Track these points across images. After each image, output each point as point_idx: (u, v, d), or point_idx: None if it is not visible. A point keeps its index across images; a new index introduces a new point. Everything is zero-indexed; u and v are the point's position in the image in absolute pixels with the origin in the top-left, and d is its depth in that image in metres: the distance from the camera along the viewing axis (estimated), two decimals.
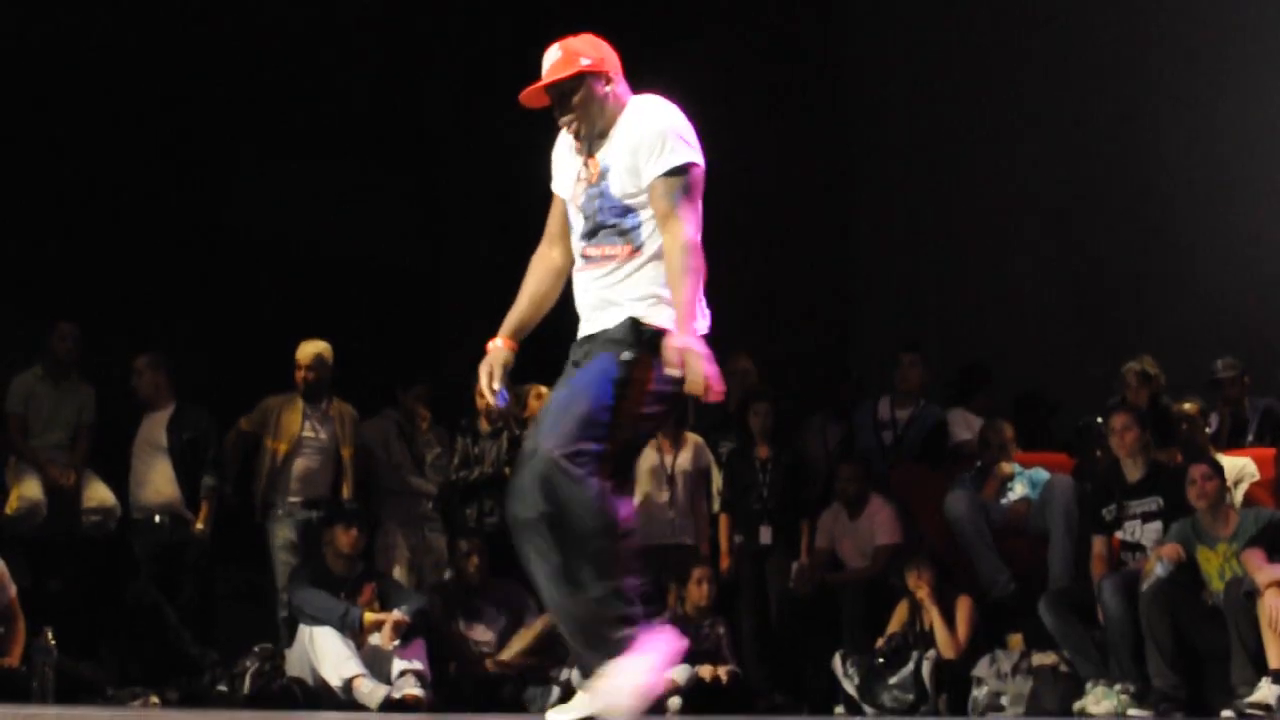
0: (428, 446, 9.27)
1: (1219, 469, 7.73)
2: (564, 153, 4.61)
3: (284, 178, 10.19)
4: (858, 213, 11.57)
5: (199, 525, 8.95)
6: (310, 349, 9.06)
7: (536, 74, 4.43)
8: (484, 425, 8.86)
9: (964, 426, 9.44)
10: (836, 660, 8.24)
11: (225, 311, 10.08)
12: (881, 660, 8.13)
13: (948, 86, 10.77)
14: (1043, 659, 7.92)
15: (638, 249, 4.39)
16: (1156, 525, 7.84)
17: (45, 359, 8.93)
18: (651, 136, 4.37)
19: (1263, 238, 10.10)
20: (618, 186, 4.40)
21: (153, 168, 10.07)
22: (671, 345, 4.21)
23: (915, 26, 10.93)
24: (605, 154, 4.46)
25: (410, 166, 11.16)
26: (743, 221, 9.65)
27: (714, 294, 4.41)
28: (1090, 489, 8.35)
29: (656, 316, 4.36)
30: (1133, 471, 8.04)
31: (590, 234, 4.45)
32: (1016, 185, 10.58)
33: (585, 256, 4.47)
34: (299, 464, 9.03)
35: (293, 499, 9.01)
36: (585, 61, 4.48)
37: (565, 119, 4.49)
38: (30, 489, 8.62)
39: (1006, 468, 8.70)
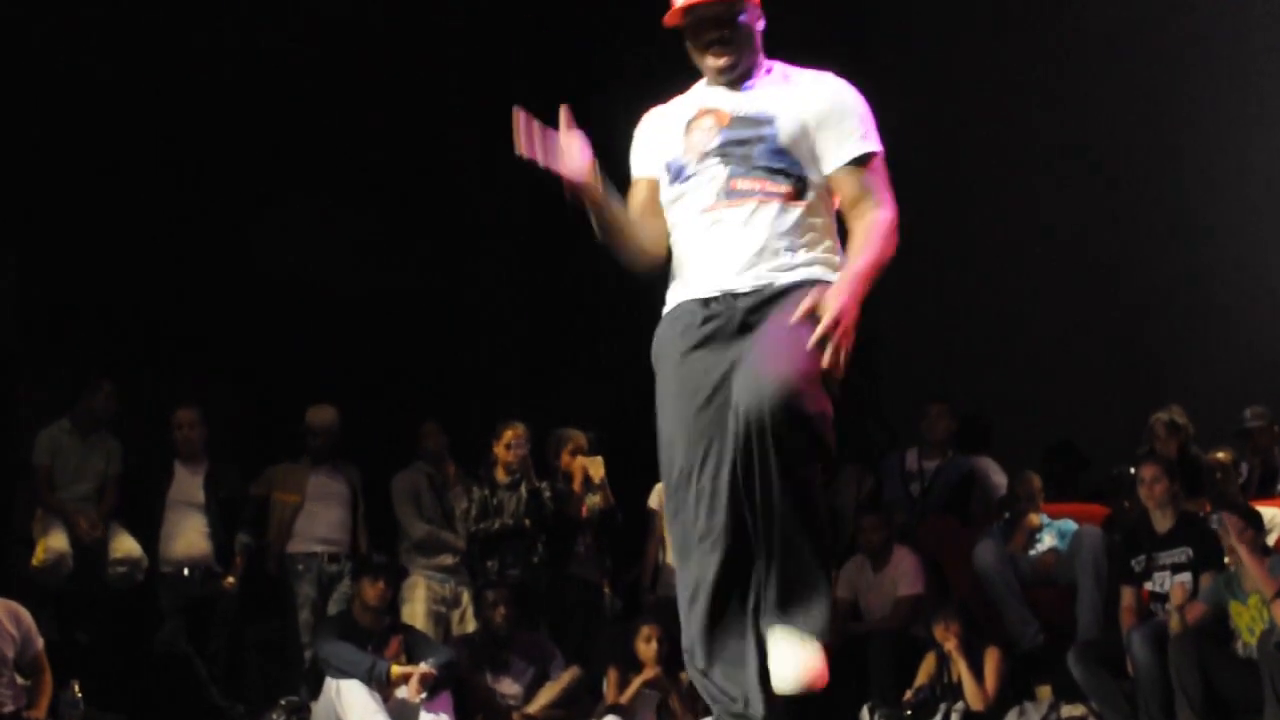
0: (457, 500, 9.29)
1: (1254, 518, 7.69)
2: (663, 120, 4.04)
3: (307, 227, 10.24)
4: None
5: (230, 580, 8.98)
6: (322, 414, 9.17)
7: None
8: (501, 475, 8.85)
9: (998, 474, 9.41)
10: (864, 712, 8.19)
11: (252, 368, 10.11)
12: (909, 712, 8.08)
13: (971, 128, 10.74)
14: (1072, 711, 7.87)
15: (800, 194, 3.83)
16: (1186, 576, 7.80)
17: (75, 413, 8.97)
18: (854, 110, 3.89)
19: None
20: (786, 135, 3.84)
21: (174, 216, 10.10)
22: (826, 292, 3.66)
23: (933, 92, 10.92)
24: (756, 100, 3.90)
25: (434, 214, 11.19)
26: None
27: None
28: (1119, 539, 8.31)
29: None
30: (1162, 522, 7.99)
31: (737, 169, 3.83)
32: (1044, 233, 10.54)
33: (732, 192, 3.83)
34: (313, 514, 9.09)
35: (312, 550, 9.06)
36: None
37: (722, 46, 3.92)
38: (57, 541, 8.64)
39: (1035, 519, 8.67)
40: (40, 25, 9.61)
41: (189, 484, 9.07)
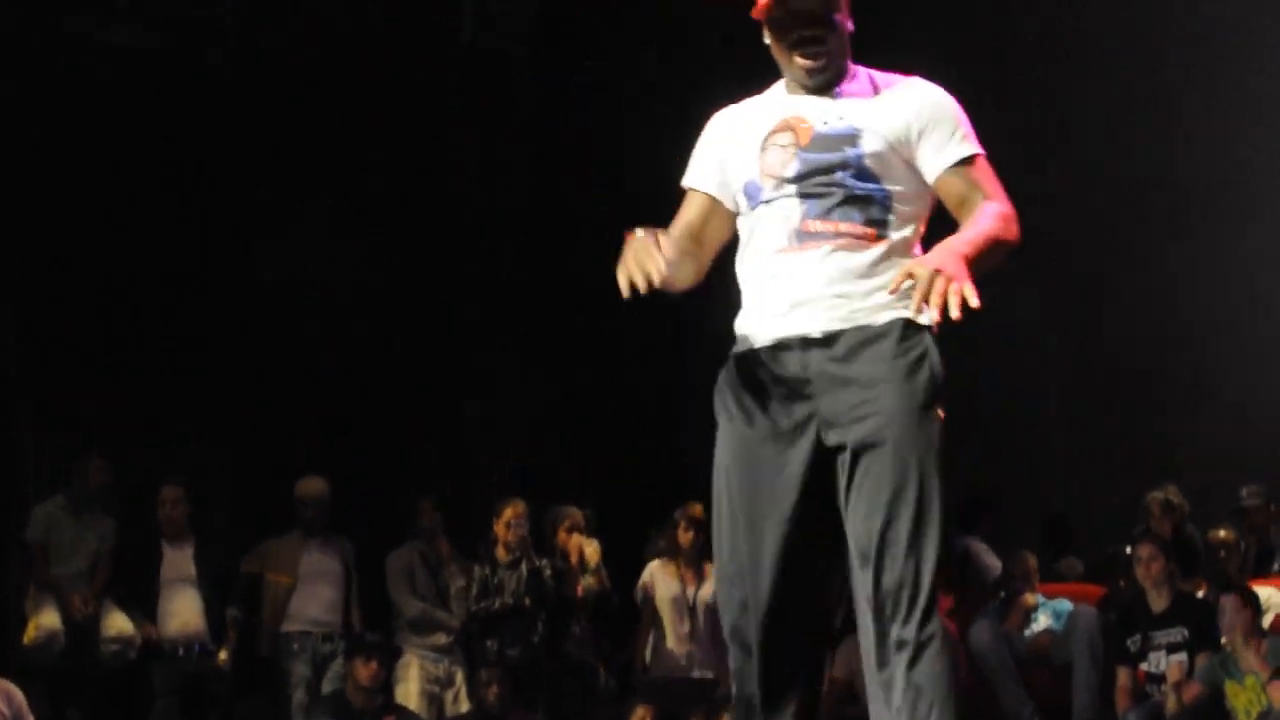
0: (452, 579, 9.26)
1: (1252, 599, 7.68)
2: (735, 130, 3.72)
3: (303, 294, 10.28)
4: None
5: (222, 656, 8.95)
6: (312, 486, 9.15)
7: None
8: (502, 554, 8.84)
9: (990, 556, 9.40)
10: None
11: (245, 442, 10.10)
12: None
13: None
14: None
15: (882, 234, 3.55)
16: (1182, 656, 7.77)
17: (69, 489, 8.96)
18: (951, 113, 3.61)
19: None
20: (872, 153, 3.55)
21: (167, 286, 10.11)
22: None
23: None
24: (841, 110, 3.60)
25: (433, 292, 11.21)
26: None
27: None
28: (1115, 619, 8.29)
29: (925, 317, 3.47)
30: (1158, 601, 7.98)
31: (812, 208, 3.54)
32: (1037, 312, 10.57)
33: (805, 234, 3.55)
34: (306, 594, 9.05)
35: (304, 629, 9.03)
36: None
37: (815, 46, 3.60)
38: (49, 618, 8.61)
39: (1030, 599, 8.65)
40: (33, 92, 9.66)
41: (179, 561, 9.04)
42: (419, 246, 11.01)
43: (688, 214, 3.76)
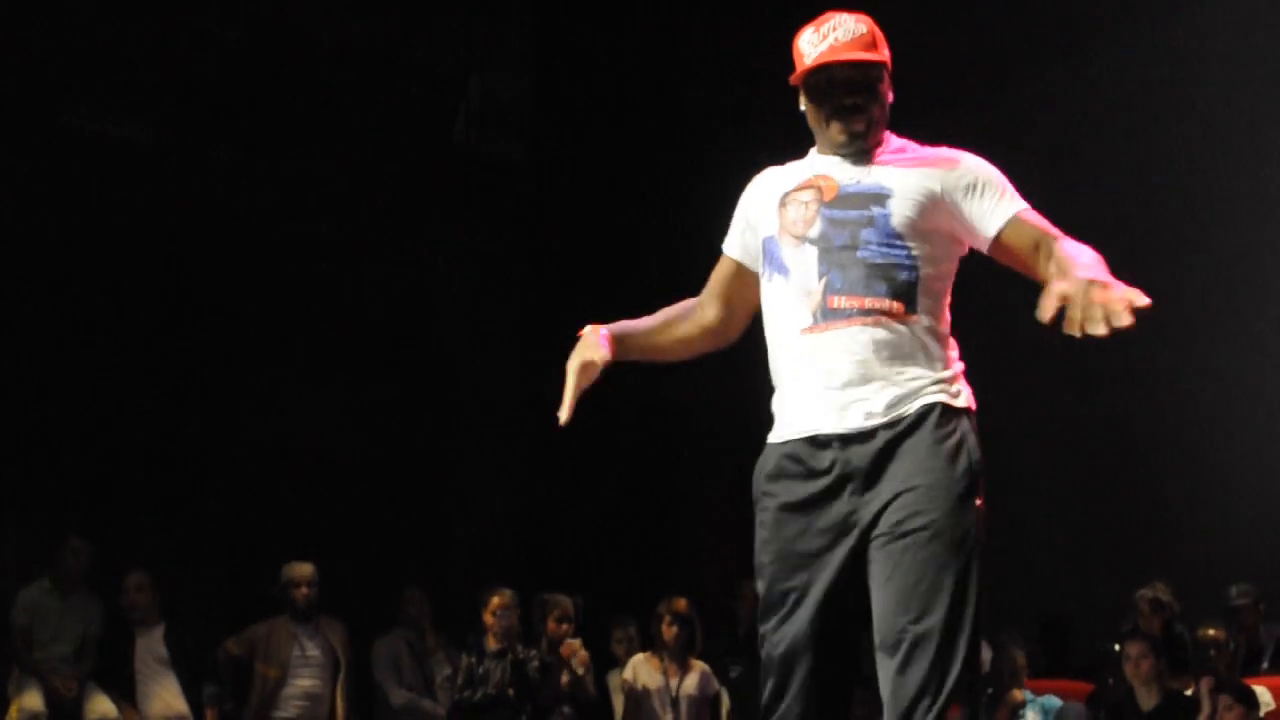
0: (438, 667, 9.21)
1: (1245, 696, 7.64)
2: (765, 190, 3.66)
3: (290, 390, 10.28)
4: None
5: None
6: (304, 569, 9.09)
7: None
8: (491, 643, 8.78)
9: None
10: None
11: (222, 528, 10.05)
12: None
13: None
14: None
15: (910, 309, 3.44)
16: None
17: (54, 572, 8.92)
18: (995, 177, 3.52)
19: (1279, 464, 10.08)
20: (901, 215, 3.45)
21: (158, 377, 10.12)
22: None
23: None
24: (873, 173, 3.52)
25: (421, 382, 11.23)
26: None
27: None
28: (1104, 717, 8.26)
29: (962, 398, 3.47)
30: (1147, 700, 7.96)
31: (835, 279, 3.43)
32: (1027, 401, 10.58)
33: (830, 311, 3.44)
34: (295, 686, 8.98)
35: (291, 719, 8.96)
36: (887, 53, 3.60)
37: (857, 115, 3.53)
38: (31, 700, 8.54)
39: (1018, 695, 8.61)
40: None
41: (152, 643, 8.98)
42: (413, 330, 11.07)
43: (715, 276, 3.77)
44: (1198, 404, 10.21)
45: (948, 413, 3.46)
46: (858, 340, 3.42)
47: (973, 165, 3.55)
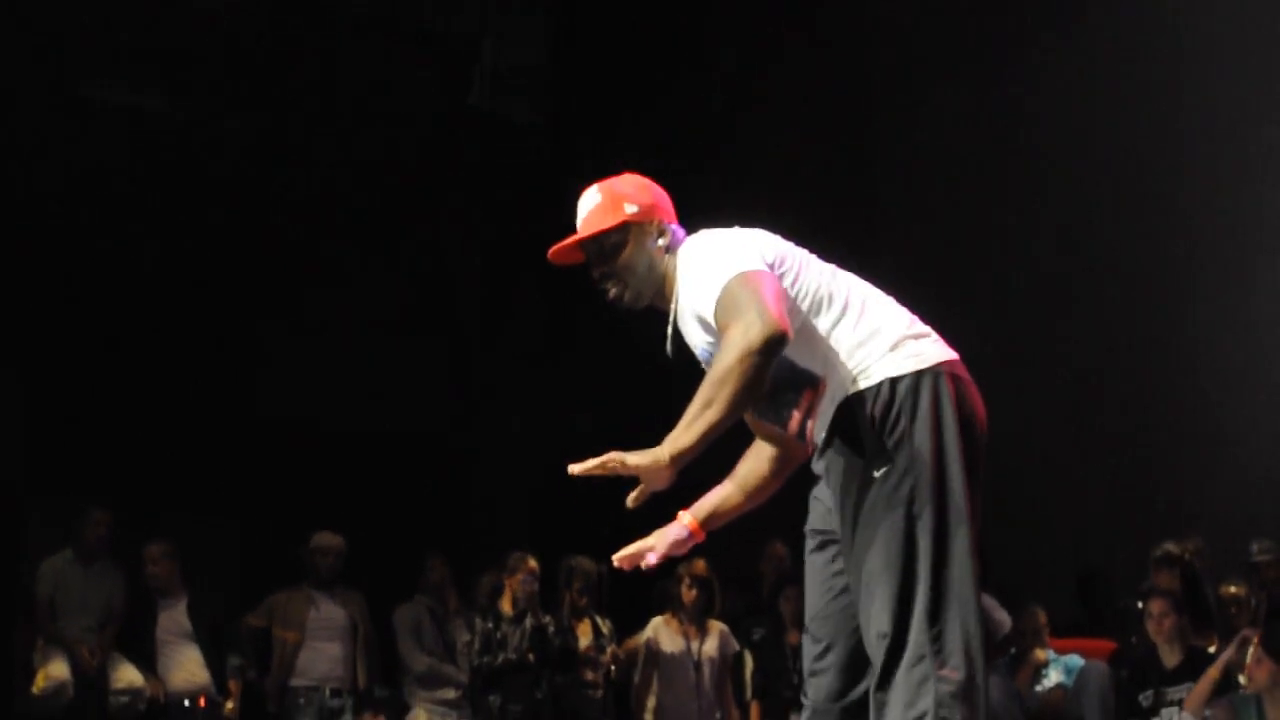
0: (459, 633, 9.24)
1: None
2: None
3: (312, 358, 10.29)
4: None
5: (230, 705, 8.93)
6: (329, 539, 9.13)
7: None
8: (507, 607, 8.77)
9: (999, 611, 9.36)
10: None
11: (248, 497, 10.08)
12: None
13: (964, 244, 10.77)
14: None
15: (814, 382, 3.56)
16: None
17: (76, 543, 8.95)
18: (695, 287, 3.53)
19: None
20: (708, 342, 3.57)
21: (180, 351, 10.14)
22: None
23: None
24: (672, 326, 3.65)
25: (442, 349, 11.23)
26: None
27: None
28: (1126, 675, 8.25)
29: (873, 373, 3.53)
30: (1170, 657, 7.95)
31: (768, 416, 3.66)
32: (1047, 360, 10.55)
33: (797, 438, 3.71)
34: (314, 649, 9.03)
35: (312, 685, 9.00)
36: (631, 209, 3.65)
37: (607, 283, 3.64)
38: (57, 669, 8.59)
39: (1041, 654, 8.62)
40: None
41: (175, 615, 9.03)
42: (433, 299, 11.06)
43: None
44: (1227, 360, 10.17)
45: (849, 404, 3.55)
46: (822, 420, 3.60)
47: (684, 278, 3.59)
